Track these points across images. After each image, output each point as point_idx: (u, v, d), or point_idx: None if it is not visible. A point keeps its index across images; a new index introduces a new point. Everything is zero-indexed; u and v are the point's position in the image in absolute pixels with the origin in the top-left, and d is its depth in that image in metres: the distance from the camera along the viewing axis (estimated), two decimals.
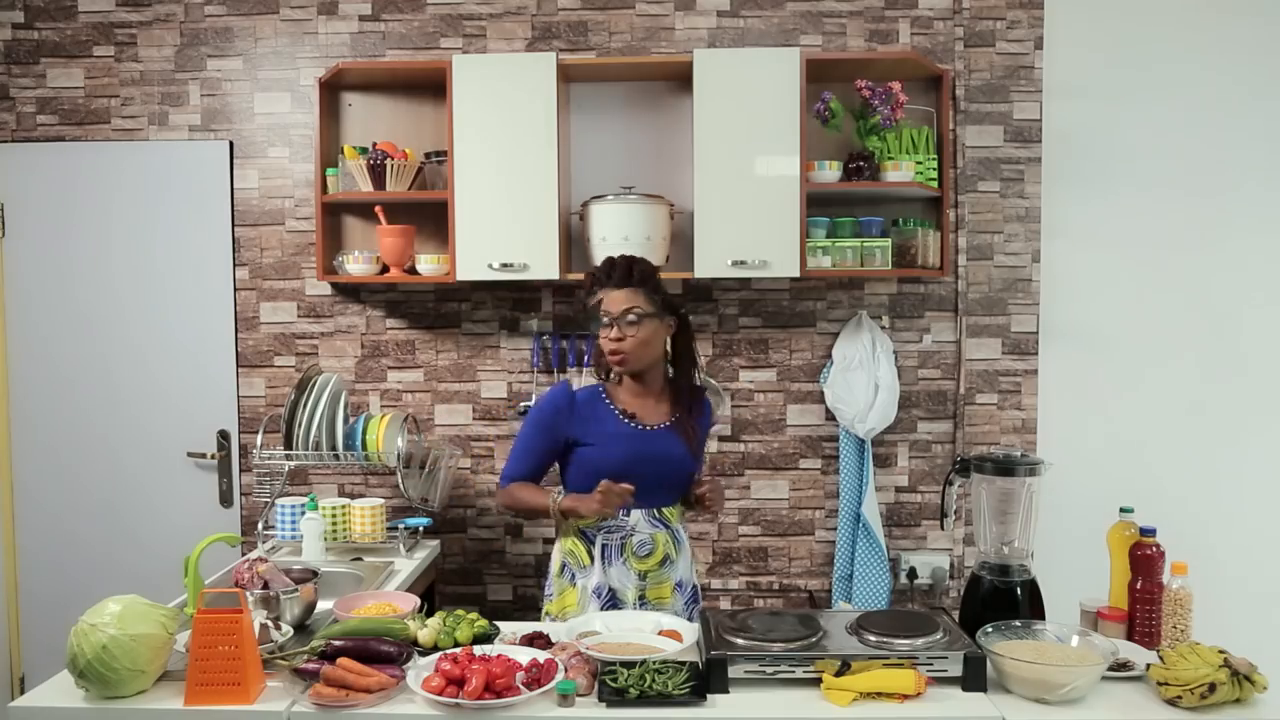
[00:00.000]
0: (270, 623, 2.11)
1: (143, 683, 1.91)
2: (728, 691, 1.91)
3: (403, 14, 3.56)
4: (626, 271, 2.46)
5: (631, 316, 2.42)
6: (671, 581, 2.50)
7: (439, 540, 3.46)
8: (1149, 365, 3.55)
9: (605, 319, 2.45)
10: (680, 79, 3.41)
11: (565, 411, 2.49)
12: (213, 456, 3.65)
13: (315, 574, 2.34)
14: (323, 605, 2.33)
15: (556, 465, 2.56)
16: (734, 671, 1.93)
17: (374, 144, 3.36)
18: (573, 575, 2.52)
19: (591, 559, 2.48)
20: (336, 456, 3.22)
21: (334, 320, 3.64)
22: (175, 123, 3.61)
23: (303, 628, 2.21)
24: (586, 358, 3.50)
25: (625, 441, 2.46)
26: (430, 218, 3.43)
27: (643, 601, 2.46)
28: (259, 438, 3.44)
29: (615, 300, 2.44)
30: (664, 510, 2.50)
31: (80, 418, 3.64)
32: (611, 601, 2.45)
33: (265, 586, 2.20)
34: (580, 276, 3.32)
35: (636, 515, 2.47)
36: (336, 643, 1.99)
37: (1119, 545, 2.26)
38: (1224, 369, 3.55)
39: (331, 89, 3.48)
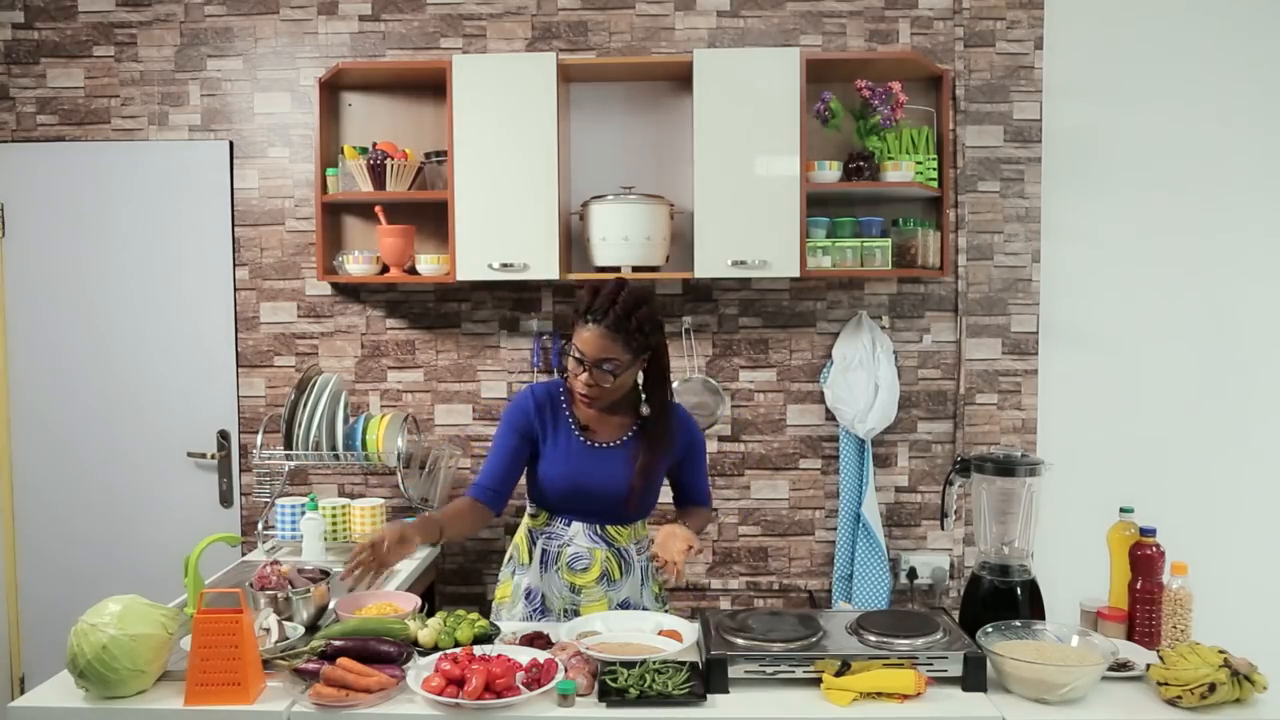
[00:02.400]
0: (283, 622, 2.12)
1: (143, 683, 1.91)
2: (728, 691, 1.91)
3: (403, 14, 3.56)
4: (624, 317, 2.24)
5: (607, 368, 2.26)
6: (611, 602, 2.40)
7: None
8: (1149, 365, 3.55)
9: (577, 354, 2.27)
10: (680, 79, 3.41)
11: (533, 412, 2.41)
12: (213, 456, 3.65)
13: (327, 574, 2.34)
14: None
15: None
16: (734, 671, 1.92)
17: (374, 144, 3.36)
18: (514, 569, 2.52)
19: (530, 559, 2.46)
20: (336, 456, 3.23)
21: (334, 320, 3.64)
22: (175, 123, 3.61)
23: (315, 628, 2.21)
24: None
25: (573, 457, 2.38)
26: (430, 218, 3.43)
27: (573, 616, 2.38)
28: (259, 438, 3.44)
29: (594, 343, 2.24)
30: (609, 528, 2.42)
31: (80, 418, 3.64)
32: (541, 606, 2.42)
33: (291, 586, 2.21)
34: (581, 277, 3.35)
35: (576, 527, 2.41)
36: (336, 643, 1.99)
37: (1119, 545, 2.26)
38: (1224, 368, 3.55)
39: (331, 89, 3.48)
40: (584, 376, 2.29)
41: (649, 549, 2.51)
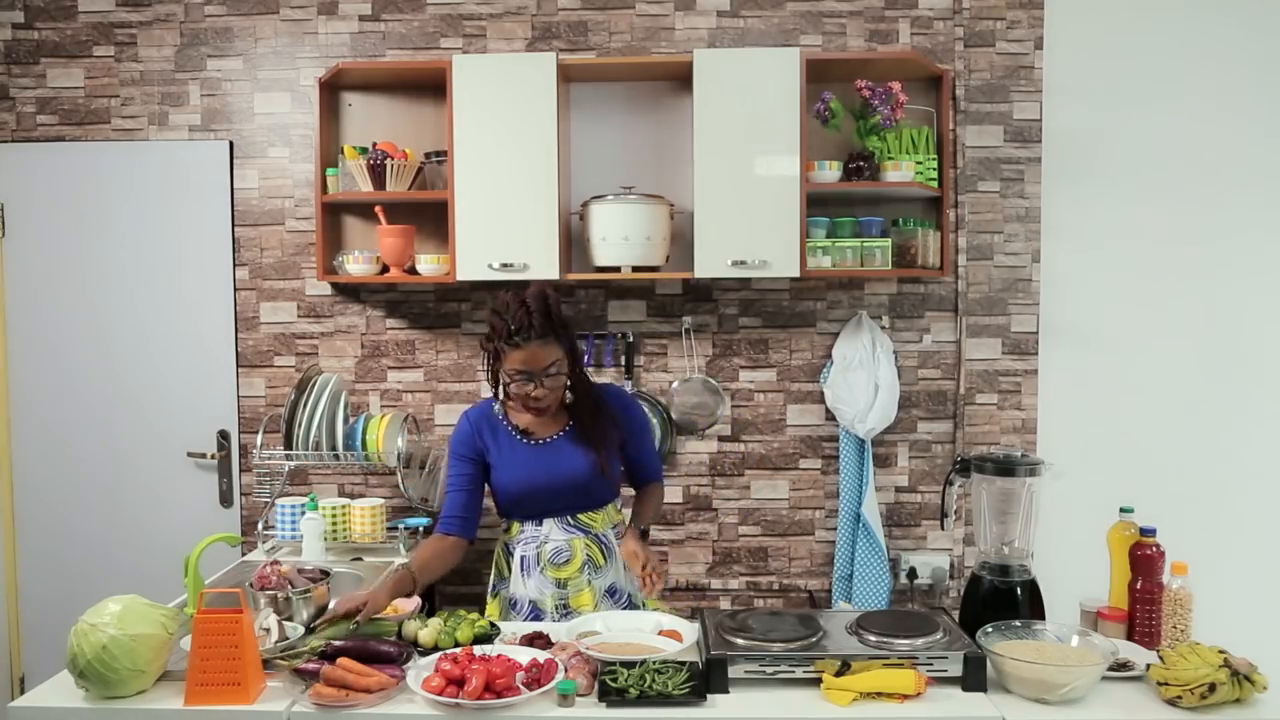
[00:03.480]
0: (283, 622, 2.12)
1: (143, 683, 1.91)
2: (728, 691, 1.91)
3: (403, 14, 3.56)
4: (545, 319, 2.30)
5: (554, 370, 2.34)
6: (597, 588, 2.44)
7: None
8: (1149, 365, 3.55)
9: (521, 375, 2.31)
10: (680, 79, 3.41)
11: (473, 435, 2.48)
12: (213, 456, 3.65)
13: (327, 574, 2.34)
14: None
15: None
16: (734, 671, 1.93)
17: (374, 144, 3.36)
18: (495, 586, 2.55)
19: (510, 570, 2.49)
20: (336, 456, 3.22)
21: (334, 320, 3.64)
22: (175, 123, 3.61)
23: (314, 628, 2.21)
24: (587, 357, 3.51)
25: (522, 459, 2.44)
26: (430, 218, 3.42)
27: (565, 611, 2.42)
28: (259, 438, 3.44)
29: (534, 358, 2.30)
30: (580, 517, 2.46)
31: (81, 418, 3.64)
32: (533, 613, 2.44)
33: (291, 586, 2.21)
34: (581, 277, 3.35)
35: (549, 524, 2.45)
36: (336, 643, 2.00)
37: (1119, 545, 2.26)
38: (1224, 368, 3.55)
39: (331, 89, 3.48)
40: (538, 391, 2.34)
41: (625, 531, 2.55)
